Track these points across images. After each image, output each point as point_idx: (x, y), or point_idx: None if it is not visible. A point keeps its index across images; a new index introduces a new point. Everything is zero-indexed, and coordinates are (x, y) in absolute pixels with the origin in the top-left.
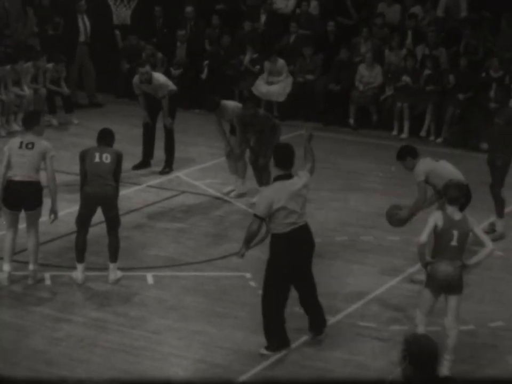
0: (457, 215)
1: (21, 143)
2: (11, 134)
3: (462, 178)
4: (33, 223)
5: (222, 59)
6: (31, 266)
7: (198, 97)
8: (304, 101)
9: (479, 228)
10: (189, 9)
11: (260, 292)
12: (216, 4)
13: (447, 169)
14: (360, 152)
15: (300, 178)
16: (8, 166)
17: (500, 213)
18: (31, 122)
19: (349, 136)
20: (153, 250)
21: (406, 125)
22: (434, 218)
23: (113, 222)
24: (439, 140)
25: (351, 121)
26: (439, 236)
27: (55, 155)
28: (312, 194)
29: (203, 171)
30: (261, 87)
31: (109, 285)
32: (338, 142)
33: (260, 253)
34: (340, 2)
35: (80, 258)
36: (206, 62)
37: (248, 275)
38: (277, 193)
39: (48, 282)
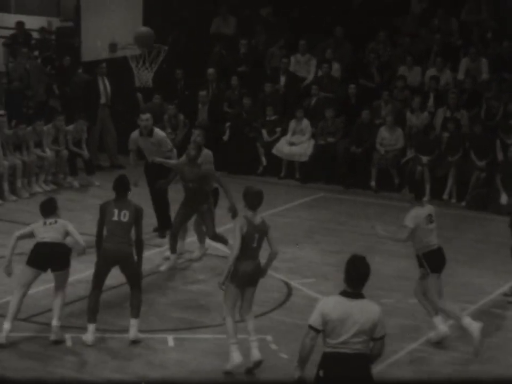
0: (256, 220)
1: (45, 222)
2: (32, 195)
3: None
4: (61, 284)
5: (244, 121)
6: (54, 322)
7: (219, 159)
8: (326, 163)
9: (271, 232)
10: (210, 71)
11: (281, 354)
12: (237, 66)
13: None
14: (382, 214)
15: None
16: (28, 236)
17: None
18: (50, 210)
19: (370, 199)
20: (174, 312)
21: (427, 188)
22: (240, 225)
23: (133, 279)
24: (462, 203)
25: (373, 183)
26: (244, 239)
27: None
28: (333, 256)
29: (225, 232)
30: (283, 148)
31: (130, 347)
32: (360, 204)
33: (280, 316)
34: (362, 65)
35: (92, 318)
36: (228, 124)
37: (269, 338)
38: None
39: (69, 343)
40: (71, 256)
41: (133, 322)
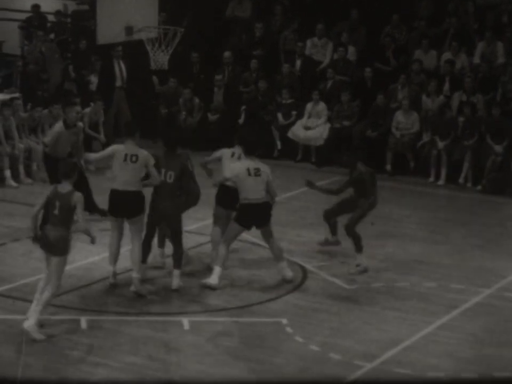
0: (64, 189)
1: (126, 155)
2: None
3: None
4: (135, 232)
5: (259, 104)
6: (134, 274)
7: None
8: (341, 147)
9: (80, 207)
10: (227, 54)
11: (296, 338)
12: (253, 50)
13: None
14: (397, 198)
15: None
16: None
17: None
18: (133, 129)
19: (386, 182)
20: (189, 295)
21: (443, 172)
22: (46, 193)
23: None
24: (478, 187)
25: (388, 167)
26: (46, 204)
27: (153, 161)
28: (348, 240)
29: None
30: (298, 132)
31: (145, 329)
32: None
33: (296, 299)
34: (378, 48)
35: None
36: (243, 107)
37: (284, 321)
38: None
39: (84, 326)
40: (143, 202)
41: (176, 273)
